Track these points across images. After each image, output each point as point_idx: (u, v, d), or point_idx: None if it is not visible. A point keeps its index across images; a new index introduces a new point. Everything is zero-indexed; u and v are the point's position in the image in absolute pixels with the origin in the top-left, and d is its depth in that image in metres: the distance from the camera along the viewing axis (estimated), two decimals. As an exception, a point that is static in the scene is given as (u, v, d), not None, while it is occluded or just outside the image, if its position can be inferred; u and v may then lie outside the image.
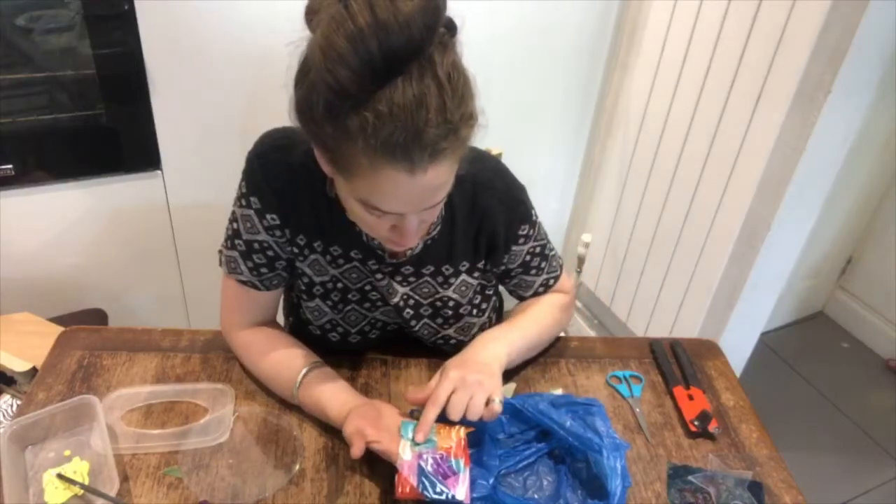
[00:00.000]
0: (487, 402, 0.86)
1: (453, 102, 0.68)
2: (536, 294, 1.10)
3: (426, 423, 0.84)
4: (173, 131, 1.53)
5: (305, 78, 0.71)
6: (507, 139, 1.64)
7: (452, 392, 0.85)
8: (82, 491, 0.85)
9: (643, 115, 1.93)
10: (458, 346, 1.06)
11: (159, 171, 1.58)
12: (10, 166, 1.43)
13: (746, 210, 1.63)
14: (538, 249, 1.04)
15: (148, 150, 1.53)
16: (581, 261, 2.31)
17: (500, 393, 0.88)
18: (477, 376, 0.87)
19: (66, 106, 1.45)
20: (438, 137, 0.68)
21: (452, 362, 0.91)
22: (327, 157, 0.75)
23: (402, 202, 0.74)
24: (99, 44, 1.37)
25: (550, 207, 2.30)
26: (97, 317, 1.55)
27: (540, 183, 2.16)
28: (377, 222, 0.78)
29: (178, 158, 1.57)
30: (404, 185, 0.70)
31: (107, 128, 1.48)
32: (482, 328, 1.08)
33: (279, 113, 1.80)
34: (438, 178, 0.72)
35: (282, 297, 1.08)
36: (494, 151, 1.64)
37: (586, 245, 2.27)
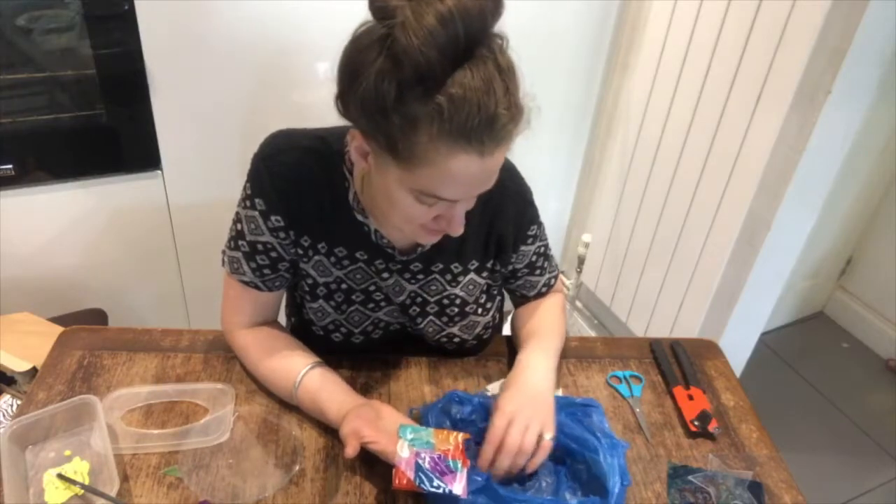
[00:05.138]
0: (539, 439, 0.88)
1: (514, 86, 0.71)
2: (540, 294, 1.10)
3: (485, 461, 0.87)
4: (173, 131, 1.53)
5: (369, 67, 0.69)
6: (507, 139, 1.64)
7: (508, 426, 0.88)
8: (82, 491, 0.85)
9: (643, 115, 1.93)
10: (461, 345, 1.07)
11: (159, 171, 1.57)
12: (10, 166, 1.43)
13: (746, 210, 1.63)
14: (542, 250, 1.06)
15: (148, 150, 1.53)
16: (581, 261, 2.31)
17: (552, 428, 0.90)
18: (529, 412, 0.89)
19: (66, 106, 1.45)
20: (508, 120, 0.71)
21: (505, 397, 0.92)
22: (387, 149, 0.73)
23: (466, 187, 0.75)
24: (99, 44, 1.37)
25: (550, 207, 2.30)
26: (97, 317, 1.55)
27: (540, 183, 2.15)
28: (425, 212, 0.79)
29: (178, 158, 1.57)
30: (473, 170, 0.72)
31: (107, 128, 1.48)
32: (486, 327, 1.08)
33: (279, 112, 1.81)
34: (499, 163, 0.75)
35: (284, 297, 1.08)
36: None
37: (586, 245, 2.27)
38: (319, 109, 1.69)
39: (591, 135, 2.17)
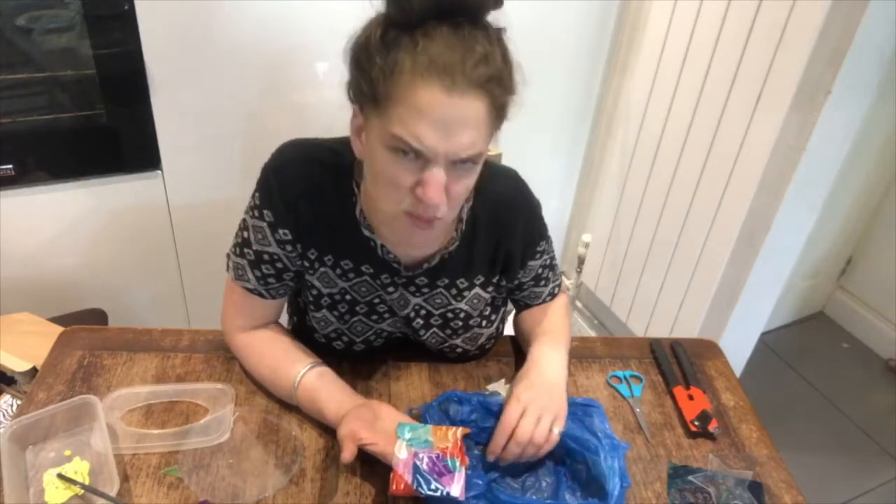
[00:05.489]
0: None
1: (499, 55, 0.74)
2: (543, 302, 1.10)
3: (496, 448, 0.88)
4: (173, 131, 1.53)
5: (365, 28, 0.76)
6: (507, 139, 1.63)
7: (521, 415, 0.89)
8: (83, 491, 0.85)
9: (643, 116, 1.93)
10: (464, 355, 1.07)
11: (159, 171, 1.57)
12: (10, 166, 1.43)
13: (746, 210, 1.63)
14: (548, 261, 1.06)
15: (148, 150, 1.53)
16: (581, 261, 2.31)
17: (562, 422, 0.91)
18: (543, 402, 0.90)
19: (66, 106, 1.45)
20: (482, 71, 0.72)
21: (521, 387, 0.93)
22: (370, 98, 0.76)
23: (431, 125, 0.73)
24: (99, 44, 1.37)
25: (550, 207, 2.29)
26: (97, 317, 1.55)
27: (540, 183, 2.16)
28: (403, 175, 0.76)
29: (178, 158, 1.57)
30: (439, 102, 0.72)
31: (107, 128, 1.48)
32: (490, 338, 1.09)
33: (279, 112, 1.80)
34: (471, 114, 0.74)
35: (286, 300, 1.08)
36: (493, 152, 1.64)
37: (586, 245, 2.27)
38: (320, 109, 1.69)
39: (591, 135, 2.17)
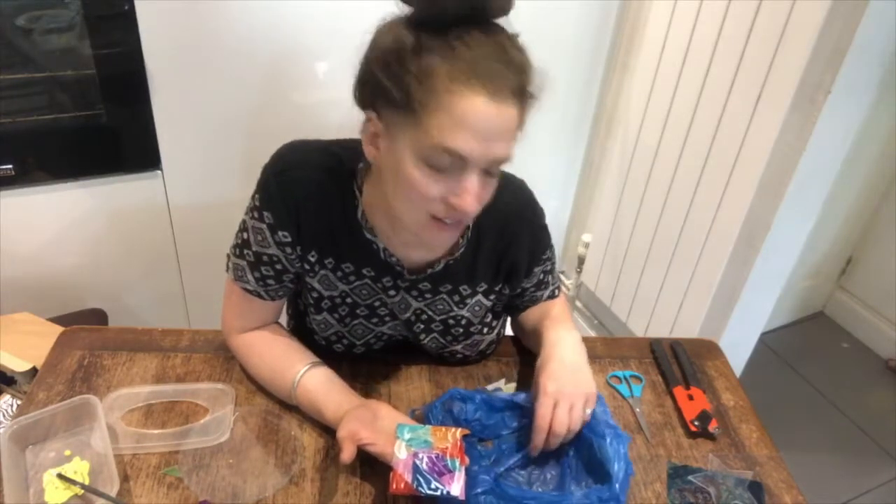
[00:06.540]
0: None
1: (529, 63, 0.76)
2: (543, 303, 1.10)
3: (536, 448, 0.89)
4: (173, 131, 1.53)
5: (390, 30, 0.75)
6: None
7: (554, 407, 0.88)
8: (82, 491, 0.85)
9: (643, 115, 1.93)
10: (464, 360, 1.07)
11: (159, 171, 1.58)
12: (10, 166, 1.43)
13: (746, 210, 1.63)
14: (549, 267, 1.06)
15: (148, 150, 1.53)
16: (581, 261, 2.31)
17: (593, 401, 0.91)
18: (570, 389, 0.90)
19: (66, 106, 1.45)
20: (521, 79, 0.74)
21: (545, 376, 0.92)
22: (402, 106, 0.74)
23: (477, 135, 0.72)
24: (99, 44, 1.37)
25: (550, 207, 2.29)
26: (97, 317, 1.55)
27: (540, 183, 2.16)
28: (435, 186, 0.76)
29: (178, 158, 1.57)
30: (483, 111, 0.71)
31: (107, 128, 1.48)
32: (490, 344, 1.09)
33: (279, 112, 1.80)
34: (511, 123, 0.74)
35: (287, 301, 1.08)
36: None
37: (586, 245, 2.27)
38: (320, 109, 1.69)
39: (591, 135, 2.17)
